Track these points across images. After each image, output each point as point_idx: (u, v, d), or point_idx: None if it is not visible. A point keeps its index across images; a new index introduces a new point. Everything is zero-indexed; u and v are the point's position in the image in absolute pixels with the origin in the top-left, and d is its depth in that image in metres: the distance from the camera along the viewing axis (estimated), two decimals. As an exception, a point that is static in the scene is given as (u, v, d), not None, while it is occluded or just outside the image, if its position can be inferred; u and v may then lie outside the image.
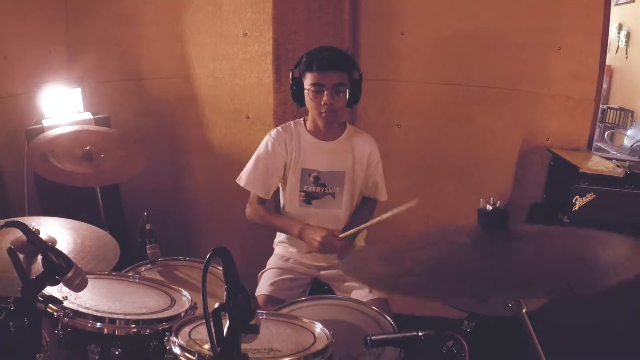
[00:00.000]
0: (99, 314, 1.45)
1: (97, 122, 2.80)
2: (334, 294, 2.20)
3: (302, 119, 2.27)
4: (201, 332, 1.44)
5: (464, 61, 2.84)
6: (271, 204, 2.34)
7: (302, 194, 2.23)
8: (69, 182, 2.35)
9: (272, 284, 2.19)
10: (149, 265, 2.12)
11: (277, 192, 2.32)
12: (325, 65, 2.07)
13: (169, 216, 3.06)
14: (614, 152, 3.21)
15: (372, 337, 1.53)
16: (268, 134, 2.25)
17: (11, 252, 1.39)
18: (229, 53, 2.86)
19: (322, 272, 2.27)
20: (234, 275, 1.12)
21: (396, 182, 2.32)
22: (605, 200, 2.46)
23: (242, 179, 2.24)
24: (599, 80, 2.85)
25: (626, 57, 4.16)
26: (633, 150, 3.95)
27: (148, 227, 2.19)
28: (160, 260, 2.15)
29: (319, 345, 1.41)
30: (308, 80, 2.10)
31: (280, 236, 2.37)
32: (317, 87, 2.08)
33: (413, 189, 2.88)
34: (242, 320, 1.10)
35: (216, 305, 1.09)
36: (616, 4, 4.32)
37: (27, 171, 2.75)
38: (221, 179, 3.03)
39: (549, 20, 2.76)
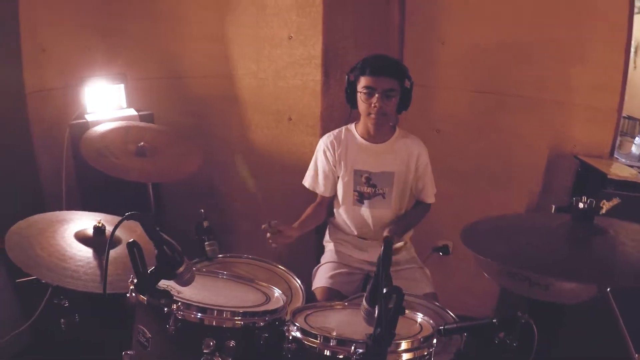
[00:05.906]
0: (215, 308, 1.46)
1: (142, 118, 2.80)
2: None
3: (353, 123, 2.40)
4: (315, 320, 1.51)
5: (495, 70, 2.94)
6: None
7: (356, 193, 2.36)
8: (126, 177, 2.35)
9: (330, 277, 2.30)
10: (206, 262, 2.15)
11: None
12: (378, 71, 2.20)
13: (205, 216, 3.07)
14: (622, 160, 3.36)
15: (446, 327, 1.64)
16: (321, 139, 2.41)
17: (132, 245, 1.39)
18: (272, 55, 2.88)
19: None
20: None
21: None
22: (629, 205, 2.57)
23: (306, 181, 2.47)
24: (622, 91, 2.94)
25: (634, 67, 4.30)
26: (642, 158, 4.01)
27: (206, 224, 2.23)
28: (219, 257, 2.19)
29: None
30: (361, 84, 2.22)
31: (328, 234, 2.49)
32: (369, 90, 2.21)
33: (448, 191, 2.97)
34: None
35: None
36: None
37: (67, 165, 2.74)
38: (261, 180, 3.09)
39: (575, 31, 2.85)
